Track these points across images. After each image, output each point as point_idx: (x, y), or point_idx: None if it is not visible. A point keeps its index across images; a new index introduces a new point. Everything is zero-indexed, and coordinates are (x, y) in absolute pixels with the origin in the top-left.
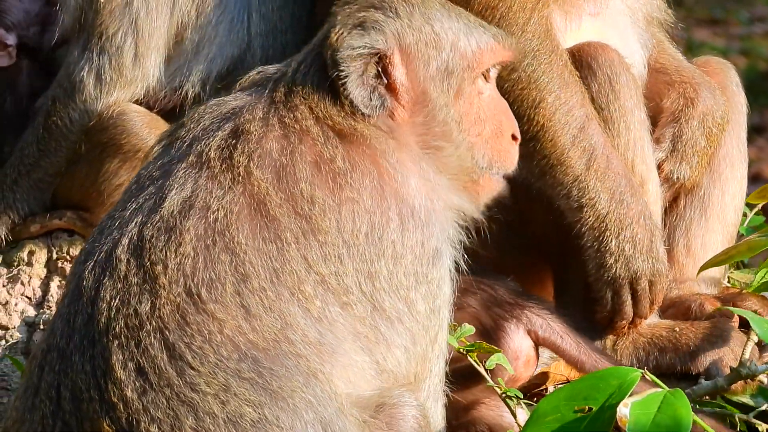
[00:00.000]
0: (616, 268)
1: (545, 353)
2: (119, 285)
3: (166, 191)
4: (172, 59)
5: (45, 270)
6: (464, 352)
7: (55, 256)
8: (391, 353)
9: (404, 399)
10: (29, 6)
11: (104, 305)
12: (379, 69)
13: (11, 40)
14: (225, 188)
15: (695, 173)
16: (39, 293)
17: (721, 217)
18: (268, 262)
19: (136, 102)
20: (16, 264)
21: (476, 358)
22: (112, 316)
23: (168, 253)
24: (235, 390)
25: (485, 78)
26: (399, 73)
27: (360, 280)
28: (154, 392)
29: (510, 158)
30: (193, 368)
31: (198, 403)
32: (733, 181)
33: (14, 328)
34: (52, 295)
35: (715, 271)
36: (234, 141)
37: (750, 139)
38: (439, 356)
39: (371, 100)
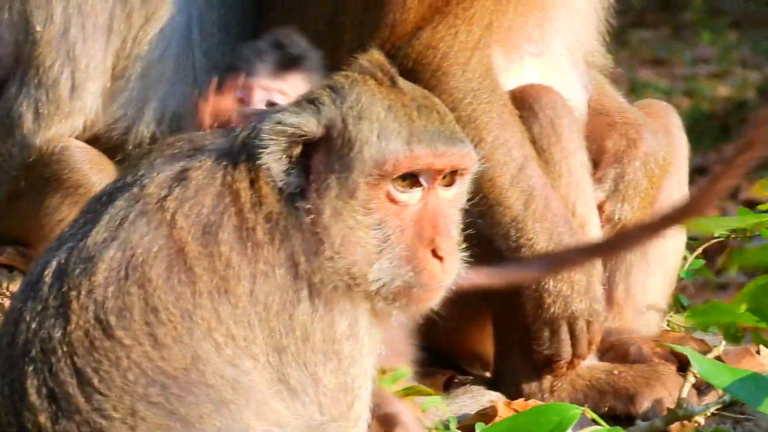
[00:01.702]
0: (554, 308)
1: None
2: (39, 307)
3: (99, 220)
4: (117, 94)
5: None
6: (401, 396)
7: None
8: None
9: None
10: None
11: (24, 327)
12: (301, 149)
13: None
14: (150, 227)
15: (636, 214)
16: None
17: (661, 260)
18: (181, 302)
19: (82, 137)
20: None
21: (412, 401)
22: (29, 339)
23: (82, 281)
24: (143, 414)
25: (402, 185)
26: (317, 159)
27: (268, 351)
28: (65, 419)
29: (428, 275)
30: (101, 393)
31: (106, 428)
32: None
33: None
34: None
35: (654, 315)
36: (175, 184)
37: (692, 180)
38: (358, 420)
39: (288, 176)
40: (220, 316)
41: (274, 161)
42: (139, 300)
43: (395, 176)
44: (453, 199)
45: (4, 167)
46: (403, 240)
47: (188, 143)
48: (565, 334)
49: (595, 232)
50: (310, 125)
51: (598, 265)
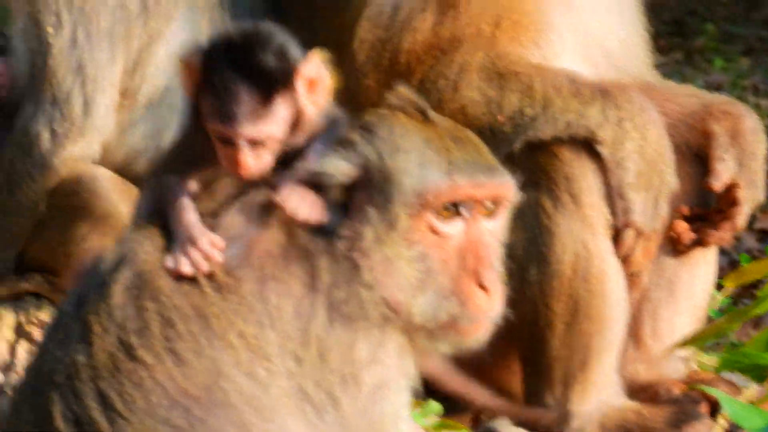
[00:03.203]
0: None
1: None
2: (61, 336)
3: (118, 249)
4: (131, 123)
5: (13, 335)
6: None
7: (23, 320)
8: None
9: None
10: None
11: (49, 356)
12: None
13: None
14: (154, 247)
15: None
16: (6, 357)
17: (689, 297)
18: (194, 306)
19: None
20: None
21: None
22: (54, 366)
23: (100, 304)
24: None
25: (443, 216)
26: (356, 196)
27: (283, 355)
28: None
29: (474, 307)
30: (122, 416)
31: None
32: (702, 263)
33: None
34: (19, 360)
35: (684, 355)
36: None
37: None
38: None
39: (328, 216)
40: (230, 318)
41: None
42: (156, 315)
43: (436, 207)
44: (495, 231)
45: (27, 192)
46: (446, 272)
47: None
48: None
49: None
50: (343, 170)
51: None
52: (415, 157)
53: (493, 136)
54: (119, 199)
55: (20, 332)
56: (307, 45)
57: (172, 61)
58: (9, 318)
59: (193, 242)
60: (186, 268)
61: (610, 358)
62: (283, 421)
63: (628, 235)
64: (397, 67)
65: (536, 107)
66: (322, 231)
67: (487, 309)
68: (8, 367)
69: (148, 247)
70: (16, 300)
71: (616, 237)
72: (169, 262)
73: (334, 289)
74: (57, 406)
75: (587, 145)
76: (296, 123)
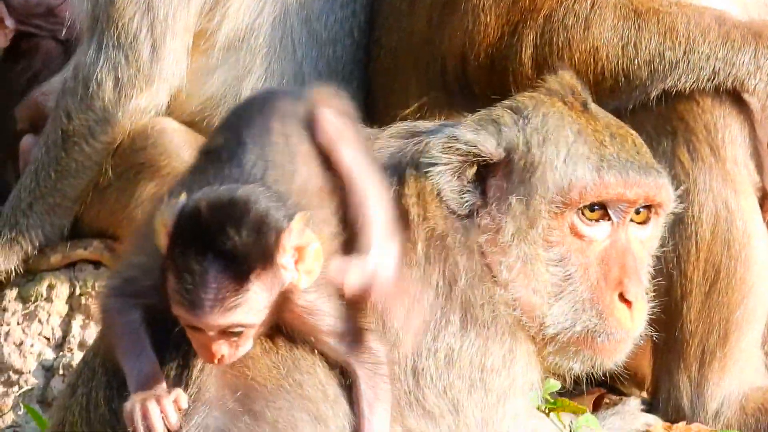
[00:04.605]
0: None
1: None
2: None
3: None
4: (206, 70)
5: (66, 307)
6: (545, 411)
7: (78, 291)
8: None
9: None
10: None
11: None
12: (478, 169)
13: (9, 23)
14: None
15: None
16: (59, 333)
17: None
18: None
19: (176, 119)
20: (33, 299)
21: (560, 418)
22: None
23: None
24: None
25: (588, 217)
26: (493, 182)
27: (399, 372)
28: None
29: (614, 322)
30: None
31: None
32: None
33: (30, 372)
34: (73, 336)
35: None
36: None
37: None
38: None
39: (460, 197)
40: None
41: (445, 180)
42: None
43: (581, 206)
44: (646, 240)
45: (87, 151)
46: (586, 280)
47: None
48: None
49: None
50: (489, 146)
51: None
52: (564, 151)
53: (627, 82)
54: (190, 155)
55: (74, 305)
56: None
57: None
58: (63, 289)
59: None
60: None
61: (753, 333)
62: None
63: None
64: (520, 3)
65: (678, 51)
66: (456, 220)
67: (628, 326)
68: (60, 345)
69: None
70: (70, 268)
71: (763, 200)
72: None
73: (469, 291)
74: (106, 391)
75: (733, 92)
76: (285, 300)
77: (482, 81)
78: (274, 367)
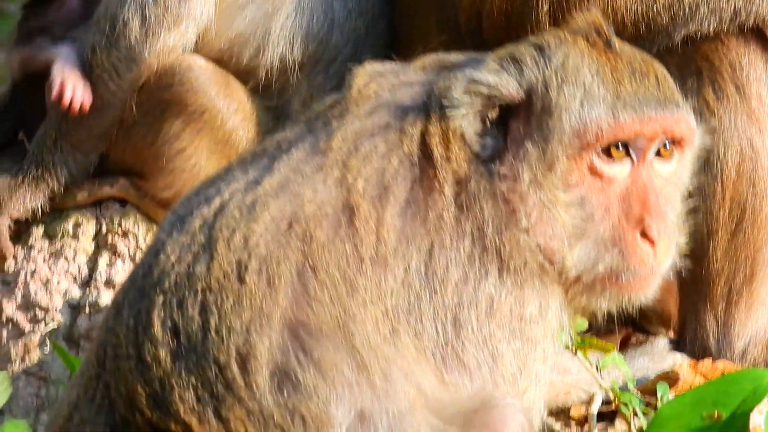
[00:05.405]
0: None
1: None
2: (184, 241)
3: (273, 167)
4: (235, 8)
5: (93, 245)
6: (573, 349)
7: (104, 229)
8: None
9: (508, 402)
10: None
11: (163, 258)
12: (500, 111)
13: None
14: (327, 185)
15: None
16: (85, 271)
17: None
18: (342, 263)
19: (204, 56)
20: (59, 237)
21: (587, 357)
22: (166, 270)
23: (240, 223)
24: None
25: (607, 156)
26: (515, 125)
27: (437, 326)
28: (183, 356)
29: (637, 260)
30: (217, 333)
31: (211, 379)
32: None
33: (56, 310)
34: (100, 273)
35: None
36: (365, 143)
37: None
38: (530, 408)
39: (482, 139)
40: (381, 288)
41: (467, 123)
42: (298, 254)
43: (600, 147)
44: (670, 177)
45: (111, 87)
46: (608, 220)
47: (392, 92)
48: None
49: None
50: (510, 88)
51: None
52: (581, 92)
53: (648, 30)
54: (217, 93)
55: (101, 242)
56: None
57: None
58: (89, 227)
59: None
60: None
61: None
62: (409, 368)
63: None
64: None
65: None
66: (480, 164)
67: (652, 263)
68: (86, 282)
69: (318, 185)
70: (97, 206)
71: None
72: None
73: (501, 242)
74: (158, 312)
75: (757, 30)
76: None
77: (499, 38)
78: None
